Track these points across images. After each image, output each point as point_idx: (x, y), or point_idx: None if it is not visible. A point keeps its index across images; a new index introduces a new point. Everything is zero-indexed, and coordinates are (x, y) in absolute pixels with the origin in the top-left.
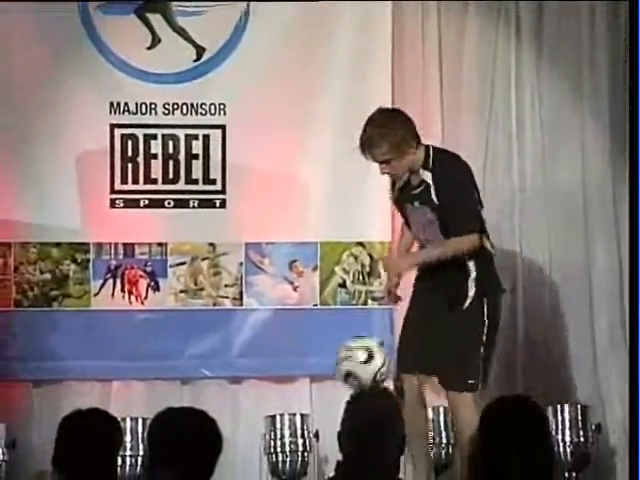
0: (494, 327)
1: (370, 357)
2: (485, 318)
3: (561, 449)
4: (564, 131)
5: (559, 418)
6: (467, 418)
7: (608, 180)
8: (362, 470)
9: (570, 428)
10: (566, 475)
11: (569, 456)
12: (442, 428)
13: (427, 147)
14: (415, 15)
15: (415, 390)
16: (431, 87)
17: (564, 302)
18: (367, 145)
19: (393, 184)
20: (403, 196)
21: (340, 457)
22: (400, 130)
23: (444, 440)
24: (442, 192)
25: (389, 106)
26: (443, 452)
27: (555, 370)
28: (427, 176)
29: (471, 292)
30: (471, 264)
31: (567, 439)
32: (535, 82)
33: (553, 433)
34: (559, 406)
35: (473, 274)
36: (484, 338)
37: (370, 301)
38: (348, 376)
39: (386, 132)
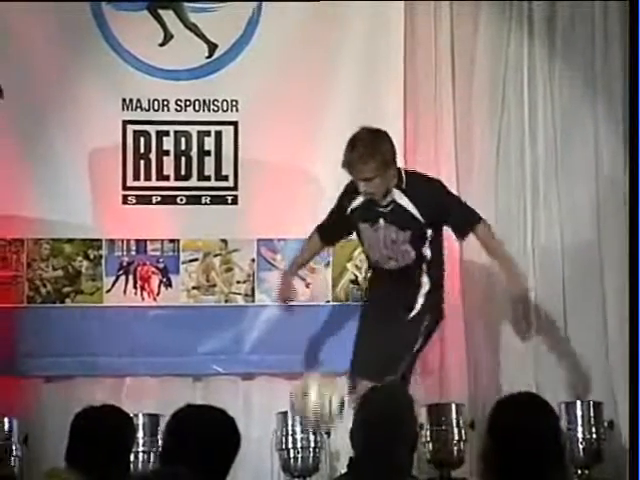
0: (424, 344)
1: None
2: (420, 334)
3: (574, 446)
4: (577, 126)
5: (571, 415)
6: None
7: (621, 172)
8: (374, 467)
9: (582, 425)
10: (578, 472)
11: (581, 453)
12: (454, 425)
13: (399, 169)
14: (427, 12)
15: None
16: (443, 86)
17: (576, 296)
18: (357, 162)
19: (339, 205)
20: (361, 214)
21: (352, 454)
22: (387, 149)
23: (456, 437)
24: (424, 207)
25: (372, 127)
26: (455, 449)
27: (567, 367)
28: (398, 196)
29: (418, 305)
30: (425, 279)
31: (579, 436)
32: (548, 78)
33: (565, 430)
34: (571, 403)
35: (424, 289)
36: (413, 351)
37: None
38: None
39: (375, 150)
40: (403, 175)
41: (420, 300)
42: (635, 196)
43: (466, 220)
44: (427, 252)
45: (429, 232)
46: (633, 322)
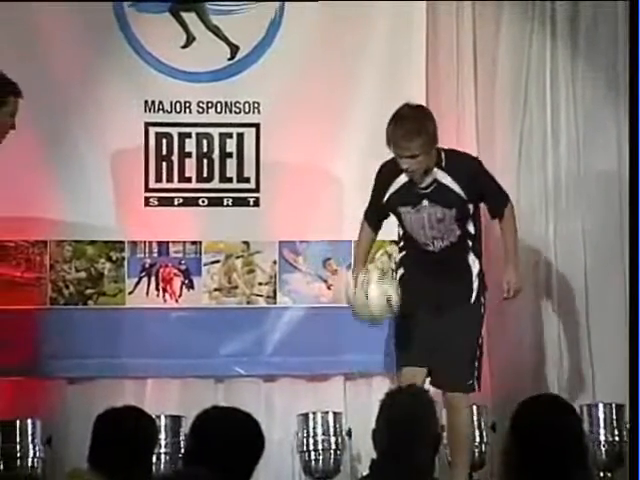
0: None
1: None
2: (483, 316)
3: (596, 448)
4: (599, 127)
5: (594, 417)
6: (465, 420)
7: None
8: (396, 468)
9: (604, 427)
10: (601, 475)
11: (604, 455)
12: (475, 426)
13: (438, 149)
14: (450, 12)
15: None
16: (465, 86)
17: (598, 295)
18: (402, 138)
19: (376, 188)
20: (402, 198)
21: (374, 455)
22: (431, 126)
23: (477, 439)
24: (466, 184)
25: (416, 103)
26: (477, 451)
27: (590, 369)
28: (441, 175)
29: (475, 286)
30: (471, 259)
31: (602, 438)
32: (570, 79)
33: (587, 432)
34: (594, 405)
35: (476, 269)
36: (481, 337)
37: None
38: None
39: (421, 127)
40: (442, 153)
41: (475, 282)
42: (635, 197)
43: (500, 199)
44: (471, 229)
45: (471, 208)
46: (633, 321)
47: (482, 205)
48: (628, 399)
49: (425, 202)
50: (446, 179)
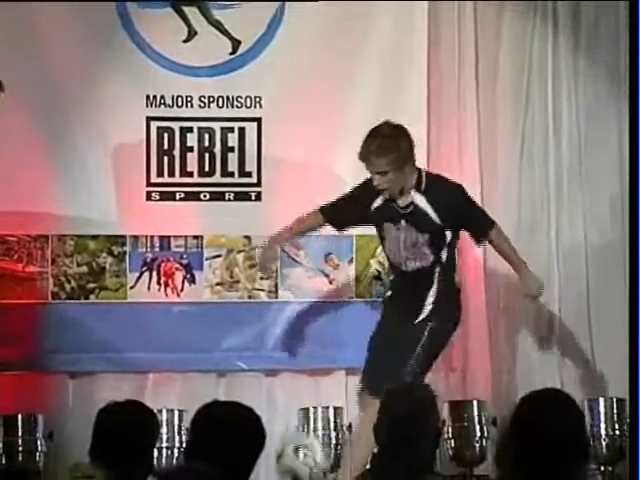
0: (432, 350)
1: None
2: (423, 339)
3: (597, 443)
4: (601, 124)
5: (595, 411)
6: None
7: None
8: (397, 463)
9: (605, 421)
10: (601, 469)
11: (604, 449)
12: (476, 422)
13: (419, 170)
14: (451, 11)
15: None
16: (467, 86)
17: (600, 293)
18: (372, 154)
19: (354, 196)
20: (383, 215)
21: (375, 450)
22: (404, 144)
23: (478, 433)
24: (444, 212)
25: (395, 122)
26: (477, 446)
27: (590, 363)
28: (419, 199)
29: (425, 310)
30: (435, 284)
31: (602, 432)
32: (572, 77)
33: (589, 427)
34: (594, 399)
35: (434, 292)
36: (414, 355)
37: None
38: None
39: (392, 143)
40: (423, 177)
41: (427, 305)
42: (635, 194)
43: (484, 224)
44: (444, 255)
45: (448, 235)
46: (633, 322)
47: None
48: (629, 398)
49: (403, 222)
50: (423, 203)
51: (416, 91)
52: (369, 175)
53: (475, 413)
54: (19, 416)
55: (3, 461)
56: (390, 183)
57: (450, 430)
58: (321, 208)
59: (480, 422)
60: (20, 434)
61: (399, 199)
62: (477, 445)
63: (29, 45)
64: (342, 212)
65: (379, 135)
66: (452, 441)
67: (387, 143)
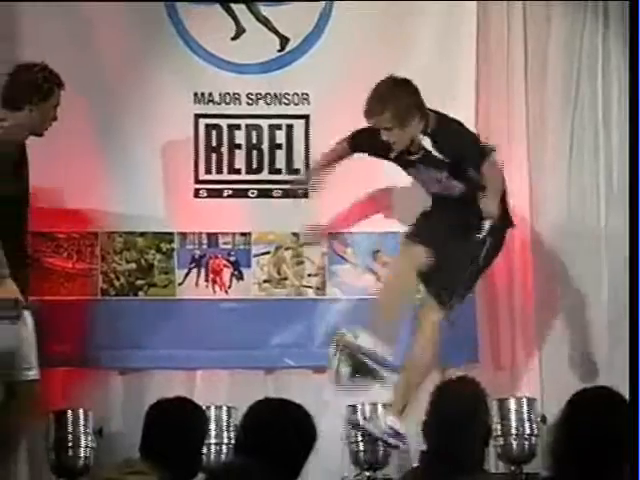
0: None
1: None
2: (487, 250)
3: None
4: None
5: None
6: (429, 334)
7: None
8: (446, 461)
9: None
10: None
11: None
12: (525, 419)
13: (428, 113)
14: (500, 9)
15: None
16: (516, 85)
17: None
18: (370, 111)
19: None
20: (404, 161)
21: (423, 447)
22: (404, 100)
23: (527, 431)
24: (446, 145)
25: (400, 76)
26: (527, 443)
27: None
28: (426, 141)
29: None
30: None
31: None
32: (623, 73)
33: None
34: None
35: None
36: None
37: None
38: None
39: (390, 101)
40: (431, 119)
41: (486, 225)
42: (636, 196)
43: (477, 152)
44: (474, 176)
45: (464, 165)
46: (633, 322)
47: None
48: (629, 397)
49: (421, 166)
50: (428, 144)
51: (464, 89)
52: None
53: (524, 410)
54: (69, 412)
55: (53, 456)
56: (396, 137)
57: (499, 428)
58: (349, 138)
59: (529, 419)
60: (70, 430)
61: (412, 147)
62: (526, 443)
63: (81, 43)
64: (365, 141)
65: (378, 92)
66: (501, 439)
67: (384, 100)
